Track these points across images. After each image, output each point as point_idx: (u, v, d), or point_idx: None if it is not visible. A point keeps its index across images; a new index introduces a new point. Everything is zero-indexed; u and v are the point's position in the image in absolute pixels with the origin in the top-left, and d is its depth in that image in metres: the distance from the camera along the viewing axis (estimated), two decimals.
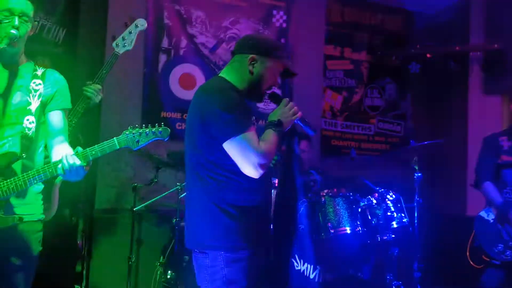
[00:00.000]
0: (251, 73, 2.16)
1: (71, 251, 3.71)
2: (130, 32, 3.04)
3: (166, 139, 2.08)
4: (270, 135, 2.10)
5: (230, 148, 2.00)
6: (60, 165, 1.98)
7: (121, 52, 3.00)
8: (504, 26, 5.02)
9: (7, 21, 2.04)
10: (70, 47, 4.25)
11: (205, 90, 2.16)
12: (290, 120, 2.19)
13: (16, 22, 2.04)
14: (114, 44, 3.01)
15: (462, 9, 5.54)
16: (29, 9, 2.12)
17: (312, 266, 2.04)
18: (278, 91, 4.96)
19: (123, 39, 3.01)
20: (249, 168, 2.00)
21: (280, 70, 2.24)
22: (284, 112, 2.18)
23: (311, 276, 2.12)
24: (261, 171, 2.02)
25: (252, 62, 2.16)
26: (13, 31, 2.02)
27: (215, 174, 2.06)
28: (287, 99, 2.24)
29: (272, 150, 2.06)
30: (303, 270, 2.15)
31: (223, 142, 2.00)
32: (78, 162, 1.97)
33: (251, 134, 2.01)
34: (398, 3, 5.72)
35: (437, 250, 4.91)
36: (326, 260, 3.79)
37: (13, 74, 2.13)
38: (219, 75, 2.24)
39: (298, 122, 2.23)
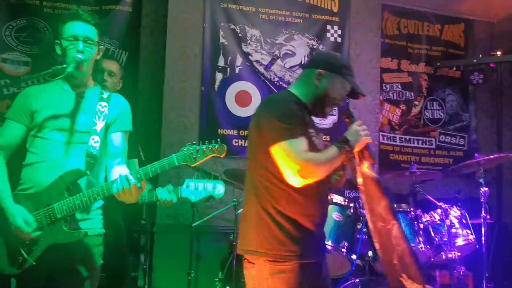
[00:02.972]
0: (317, 87, 2.18)
1: (133, 266, 3.82)
2: (205, 188, 2.91)
3: (222, 155, 2.12)
4: (328, 150, 2.07)
5: (276, 153, 2.02)
6: (115, 185, 2.05)
7: (181, 196, 2.90)
8: None
9: (72, 46, 2.17)
10: (132, 69, 4.45)
11: (264, 101, 2.25)
12: (359, 140, 2.11)
13: (81, 47, 2.16)
14: (185, 185, 2.91)
15: None
16: (93, 33, 2.22)
17: None
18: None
19: (196, 188, 2.89)
20: (288, 175, 2.00)
21: (347, 89, 2.23)
22: (356, 131, 2.13)
23: None
24: (299, 180, 1.99)
25: (319, 77, 2.18)
26: (78, 55, 2.15)
27: (268, 182, 2.07)
28: (361, 121, 2.18)
29: (320, 162, 2.02)
30: None
31: (271, 147, 2.02)
32: (132, 180, 2.03)
33: (298, 141, 2.00)
34: (457, 13, 5.54)
35: (507, 269, 4.64)
36: (387, 278, 3.67)
37: (79, 96, 2.25)
38: (287, 88, 2.31)
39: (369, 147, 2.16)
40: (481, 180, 3.65)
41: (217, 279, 3.80)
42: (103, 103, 2.26)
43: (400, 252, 2.12)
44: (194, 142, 2.13)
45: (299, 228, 2.05)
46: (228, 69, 4.68)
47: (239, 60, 4.71)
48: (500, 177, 5.08)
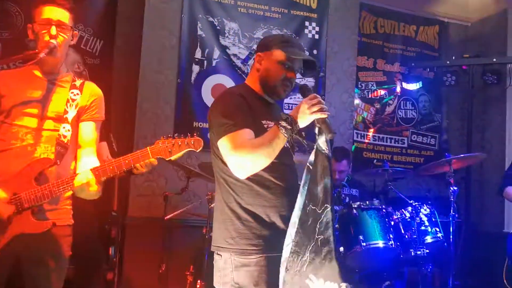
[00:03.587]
0: (258, 70, 2.19)
1: (103, 258, 3.76)
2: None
3: (198, 150, 2.07)
4: (268, 132, 1.97)
5: (220, 148, 2.02)
6: (78, 178, 2.03)
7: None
8: None
9: (45, 31, 2.10)
10: (106, 58, 4.37)
11: (217, 96, 2.24)
12: (308, 115, 1.94)
13: (54, 32, 2.10)
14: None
15: (499, 20, 5.42)
16: (66, 17, 2.15)
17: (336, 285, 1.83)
18: None
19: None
20: (231, 168, 1.98)
21: (286, 61, 2.13)
22: (305, 107, 1.95)
23: None
24: (241, 172, 1.97)
25: (259, 60, 2.19)
26: (51, 40, 2.09)
27: (228, 176, 2.05)
28: (314, 94, 2.00)
29: (254, 148, 1.93)
30: None
31: (217, 142, 2.02)
32: (90, 177, 2.02)
33: (239, 134, 1.97)
34: (433, 14, 5.63)
35: (473, 267, 4.76)
36: (358, 274, 3.72)
37: (51, 83, 2.19)
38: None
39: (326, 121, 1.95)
40: (451, 180, 3.73)
41: (188, 273, 3.78)
42: (76, 91, 2.20)
43: (323, 239, 1.96)
44: (169, 135, 2.08)
45: (263, 222, 2.03)
46: (205, 61, 4.64)
47: (216, 53, 4.68)
48: (469, 177, 5.19)
